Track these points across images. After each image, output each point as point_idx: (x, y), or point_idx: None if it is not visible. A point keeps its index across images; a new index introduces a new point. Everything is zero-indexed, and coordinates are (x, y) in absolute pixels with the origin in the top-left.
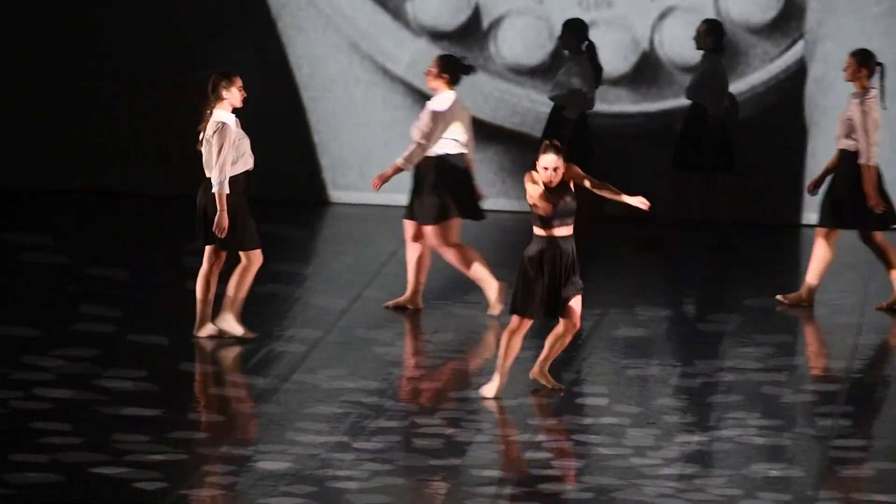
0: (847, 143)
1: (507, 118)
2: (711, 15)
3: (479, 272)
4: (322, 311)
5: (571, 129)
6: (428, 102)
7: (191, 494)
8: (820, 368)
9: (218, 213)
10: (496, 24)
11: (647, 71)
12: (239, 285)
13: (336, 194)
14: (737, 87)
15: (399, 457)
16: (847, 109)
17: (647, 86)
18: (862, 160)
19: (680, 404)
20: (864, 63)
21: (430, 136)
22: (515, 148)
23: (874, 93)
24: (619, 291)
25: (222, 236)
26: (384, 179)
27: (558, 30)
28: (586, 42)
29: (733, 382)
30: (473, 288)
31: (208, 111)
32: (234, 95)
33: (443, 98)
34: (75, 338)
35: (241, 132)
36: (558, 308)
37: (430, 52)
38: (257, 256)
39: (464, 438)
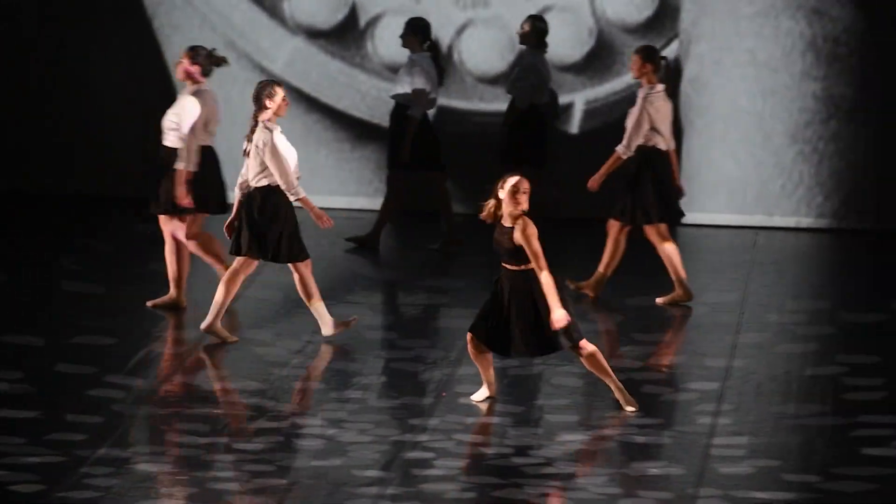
0: (646, 139)
1: (384, 117)
2: (588, 15)
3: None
4: (202, 312)
5: (414, 128)
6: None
7: (69, 497)
8: (699, 367)
9: (312, 213)
10: (373, 22)
11: None
12: (307, 290)
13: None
14: (612, 86)
15: (280, 458)
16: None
17: None
18: (619, 149)
19: (561, 403)
20: (648, 59)
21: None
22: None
23: (660, 87)
24: None
25: (327, 226)
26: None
27: (436, 29)
28: (428, 42)
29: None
30: (355, 288)
31: (254, 120)
32: (277, 105)
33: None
34: None
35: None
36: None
37: (306, 51)
38: (308, 266)
39: (345, 439)
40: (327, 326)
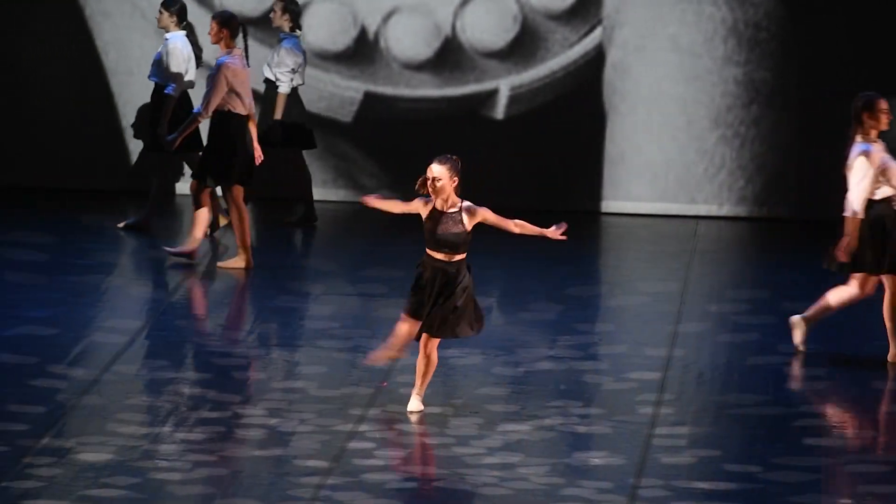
0: (223, 102)
1: (313, 103)
2: (512, 2)
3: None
4: (142, 301)
5: (172, 108)
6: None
7: (11, 486)
8: (640, 357)
9: (846, 236)
10: (301, 11)
11: (449, 56)
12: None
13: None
14: (537, 72)
15: (222, 447)
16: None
17: (449, 71)
18: (197, 111)
19: (502, 393)
20: (224, 24)
21: None
22: (320, 132)
23: (238, 51)
24: None
25: (845, 260)
26: None
27: (363, 16)
28: (185, 22)
29: (555, 371)
30: (297, 277)
31: (853, 136)
32: (878, 121)
33: None
34: None
35: (889, 158)
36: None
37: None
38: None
39: (287, 429)
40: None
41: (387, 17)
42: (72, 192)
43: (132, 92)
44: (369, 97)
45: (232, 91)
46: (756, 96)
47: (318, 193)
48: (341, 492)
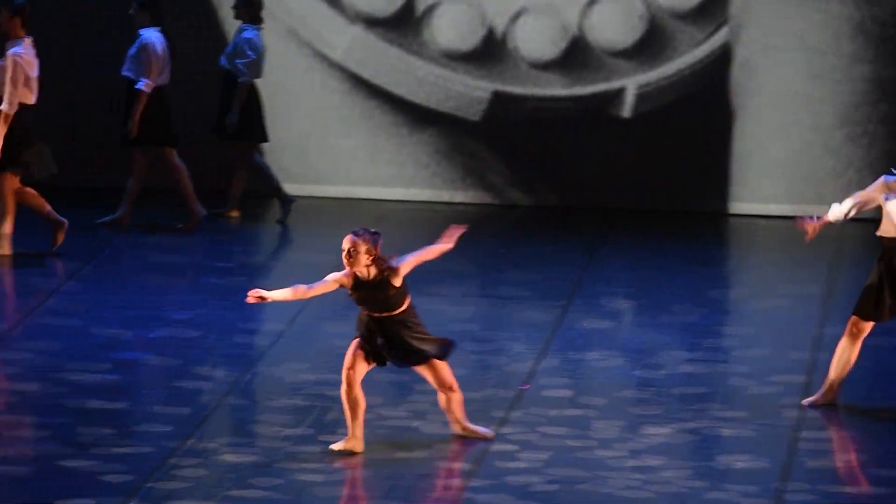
0: None
1: (441, 102)
2: (639, 1)
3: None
4: (283, 303)
5: (144, 103)
6: None
7: (156, 487)
8: (784, 360)
9: None
10: (430, 10)
11: (576, 56)
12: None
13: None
14: (664, 70)
15: (365, 450)
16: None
17: (577, 70)
18: (3, 107)
19: (644, 396)
20: (15, 13)
21: None
22: (450, 132)
23: (28, 41)
24: (586, 282)
25: None
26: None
27: (491, 16)
28: (159, 17)
29: (697, 374)
30: (434, 279)
31: None
32: None
33: None
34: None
35: None
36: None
37: (365, 39)
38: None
39: (429, 431)
40: None
41: (515, 18)
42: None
43: (263, 94)
44: (497, 97)
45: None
46: (883, 94)
47: (447, 194)
48: (484, 494)
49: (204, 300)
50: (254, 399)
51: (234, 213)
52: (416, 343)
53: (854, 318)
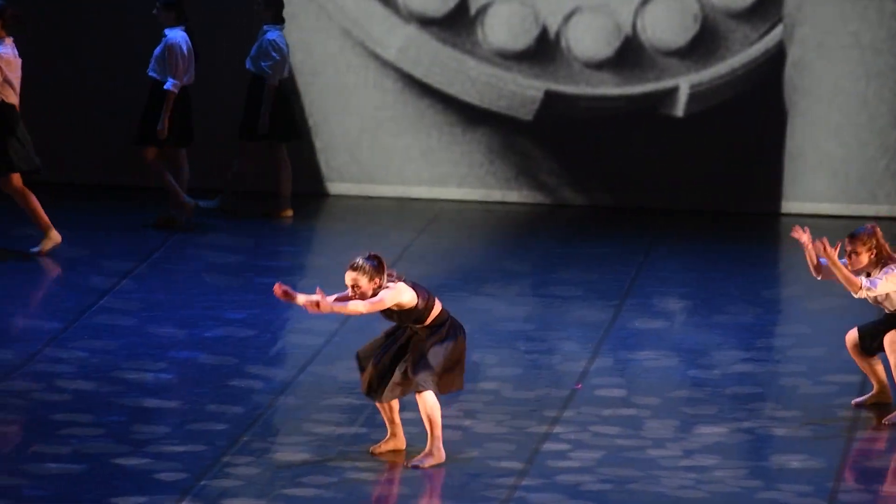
0: None
1: (494, 102)
2: (693, 1)
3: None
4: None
5: (172, 103)
6: None
7: (210, 485)
8: (839, 360)
9: None
10: (483, 10)
11: (629, 55)
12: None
13: (334, 186)
14: (717, 70)
15: (415, 448)
16: None
17: (629, 70)
18: None
19: (698, 395)
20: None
21: None
22: (502, 131)
23: (9, 41)
24: (639, 282)
25: None
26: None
27: (544, 16)
28: (184, 16)
29: (751, 374)
30: (488, 279)
31: None
32: None
33: None
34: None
35: None
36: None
37: (419, 38)
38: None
39: (481, 430)
40: None
41: (568, 17)
42: (263, 195)
43: (317, 92)
44: (550, 96)
45: (6, 81)
46: None
47: (499, 194)
48: (536, 493)
49: (258, 300)
50: (307, 398)
51: (288, 213)
52: (430, 356)
53: None
